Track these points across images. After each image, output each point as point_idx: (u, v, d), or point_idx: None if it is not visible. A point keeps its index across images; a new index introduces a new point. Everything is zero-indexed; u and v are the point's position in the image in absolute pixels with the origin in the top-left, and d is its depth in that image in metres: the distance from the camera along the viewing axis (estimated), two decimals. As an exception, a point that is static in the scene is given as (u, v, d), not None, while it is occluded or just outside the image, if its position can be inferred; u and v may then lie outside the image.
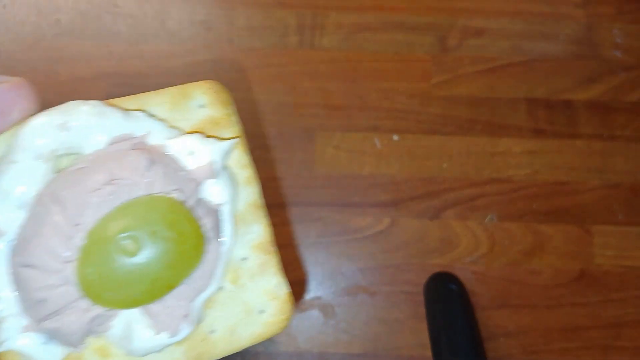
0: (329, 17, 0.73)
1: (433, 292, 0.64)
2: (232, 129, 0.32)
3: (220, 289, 0.29)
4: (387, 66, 0.73)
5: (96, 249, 0.25)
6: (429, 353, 0.66)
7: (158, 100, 0.31)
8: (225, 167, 0.30)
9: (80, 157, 0.27)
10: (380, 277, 0.69)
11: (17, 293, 0.26)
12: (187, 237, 0.27)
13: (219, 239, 0.29)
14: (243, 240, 0.32)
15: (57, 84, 0.72)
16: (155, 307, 0.27)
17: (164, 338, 0.27)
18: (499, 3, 0.74)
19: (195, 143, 0.29)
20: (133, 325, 0.27)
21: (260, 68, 0.72)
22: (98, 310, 0.26)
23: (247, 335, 0.30)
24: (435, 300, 0.64)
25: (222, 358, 0.70)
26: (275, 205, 0.70)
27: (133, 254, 0.25)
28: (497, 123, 0.72)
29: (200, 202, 0.28)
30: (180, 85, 0.33)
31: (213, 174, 0.29)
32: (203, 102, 0.31)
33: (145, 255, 0.25)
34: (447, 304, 0.63)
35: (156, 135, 0.29)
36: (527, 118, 0.72)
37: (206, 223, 0.28)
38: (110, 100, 0.28)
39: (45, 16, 0.74)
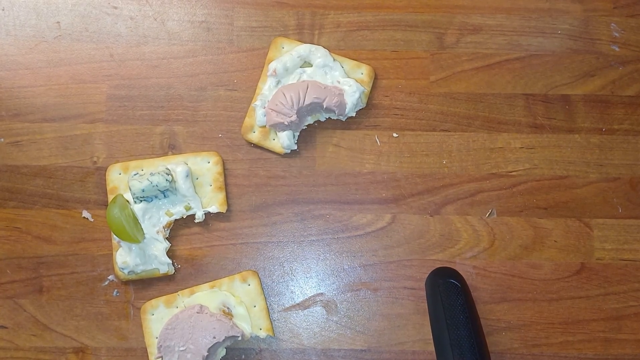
0: (328, 17, 0.73)
1: (434, 287, 0.65)
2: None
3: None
4: (385, 64, 0.73)
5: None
6: (431, 348, 0.67)
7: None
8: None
9: None
10: (382, 273, 0.69)
11: None
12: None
13: None
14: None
15: (57, 86, 0.72)
16: None
17: None
18: (496, -1, 0.74)
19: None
20: None
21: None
22: None
23: None
24: (436, 295, 0.64)
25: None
26: (277, 204, 0.70)
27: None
28: (495, 119, 0.72)
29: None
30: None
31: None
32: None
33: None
34: (449, 299, 0.63)
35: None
36: (525, 113, 0.72)
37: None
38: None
39: (45, 19, 0.74)
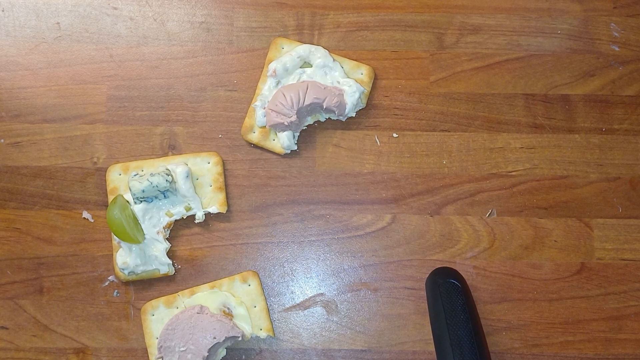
0: (328, 17, 0.74)
1: (435, 288, 0.65)
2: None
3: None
4: (385, 64, 0.73)
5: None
6: (431, 348, 0.67)
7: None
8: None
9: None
10: (382, 274, 0.69)
11: None
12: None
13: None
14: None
15: (57, 87, 0.73)
16: None
17: None
18: (496, -1, 0.74)
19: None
20: None
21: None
22: None
23: None
24: (437, 295, 0.64)
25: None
26: (277, 204, 0.70)
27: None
28: (495, 119, 0.72)
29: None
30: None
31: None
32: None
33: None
34: (449, 299, 0.63)
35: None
36: (525, 113, 0.72)
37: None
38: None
39: (45, 19, 0.74)
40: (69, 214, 0.70)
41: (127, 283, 0.69)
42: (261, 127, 0.70)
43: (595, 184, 0.71)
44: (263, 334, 0.67)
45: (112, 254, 0.69)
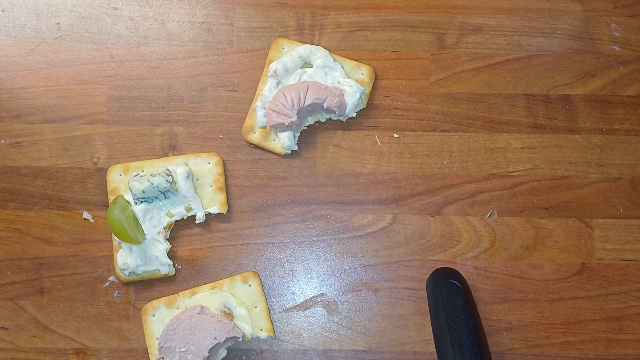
0: (328, 17, 0.73)
1: (435, 288, 0.65)
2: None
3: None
4: (386, 64, 0.73)
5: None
6: (432, 348, 0.67)
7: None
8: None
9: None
10: (382, 274, 0.69)
11: None
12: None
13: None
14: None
15: (58, 87, 0.72)
16: None
17: None
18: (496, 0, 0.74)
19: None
20: None
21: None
22: None
23: None
24: (437, 295, 0.64)
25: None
26: (278, 204, 0.70)
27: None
28: (496, 119, 0.72)
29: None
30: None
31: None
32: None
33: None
34: (450, 300, 0.63)
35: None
36: (526, 113, 0.72)
37: None
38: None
39: (45, 20, 0.74)
40: (69, 214, 0.70)
41: (127, 283, 0.69)
42: (262, 128, 0.70)
43: (596, 184, 0.71)
44: (264, 335, 0.67)
45: (113, 255, 0.69)
